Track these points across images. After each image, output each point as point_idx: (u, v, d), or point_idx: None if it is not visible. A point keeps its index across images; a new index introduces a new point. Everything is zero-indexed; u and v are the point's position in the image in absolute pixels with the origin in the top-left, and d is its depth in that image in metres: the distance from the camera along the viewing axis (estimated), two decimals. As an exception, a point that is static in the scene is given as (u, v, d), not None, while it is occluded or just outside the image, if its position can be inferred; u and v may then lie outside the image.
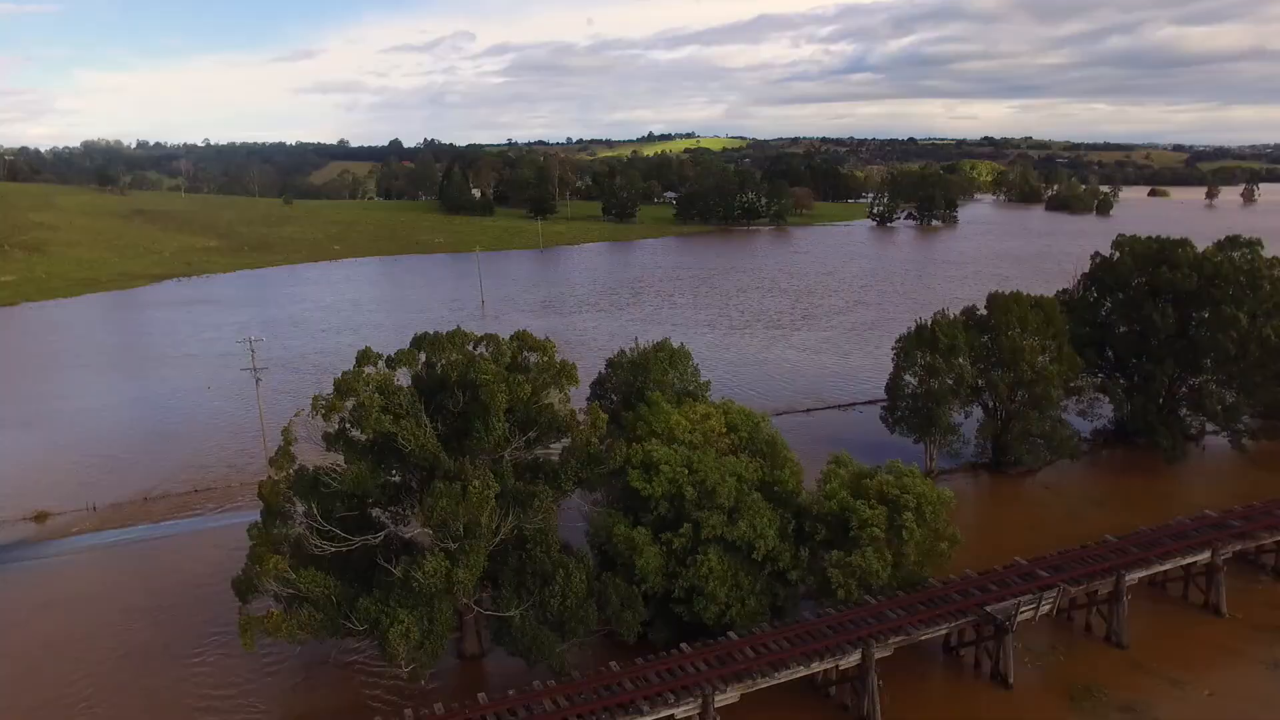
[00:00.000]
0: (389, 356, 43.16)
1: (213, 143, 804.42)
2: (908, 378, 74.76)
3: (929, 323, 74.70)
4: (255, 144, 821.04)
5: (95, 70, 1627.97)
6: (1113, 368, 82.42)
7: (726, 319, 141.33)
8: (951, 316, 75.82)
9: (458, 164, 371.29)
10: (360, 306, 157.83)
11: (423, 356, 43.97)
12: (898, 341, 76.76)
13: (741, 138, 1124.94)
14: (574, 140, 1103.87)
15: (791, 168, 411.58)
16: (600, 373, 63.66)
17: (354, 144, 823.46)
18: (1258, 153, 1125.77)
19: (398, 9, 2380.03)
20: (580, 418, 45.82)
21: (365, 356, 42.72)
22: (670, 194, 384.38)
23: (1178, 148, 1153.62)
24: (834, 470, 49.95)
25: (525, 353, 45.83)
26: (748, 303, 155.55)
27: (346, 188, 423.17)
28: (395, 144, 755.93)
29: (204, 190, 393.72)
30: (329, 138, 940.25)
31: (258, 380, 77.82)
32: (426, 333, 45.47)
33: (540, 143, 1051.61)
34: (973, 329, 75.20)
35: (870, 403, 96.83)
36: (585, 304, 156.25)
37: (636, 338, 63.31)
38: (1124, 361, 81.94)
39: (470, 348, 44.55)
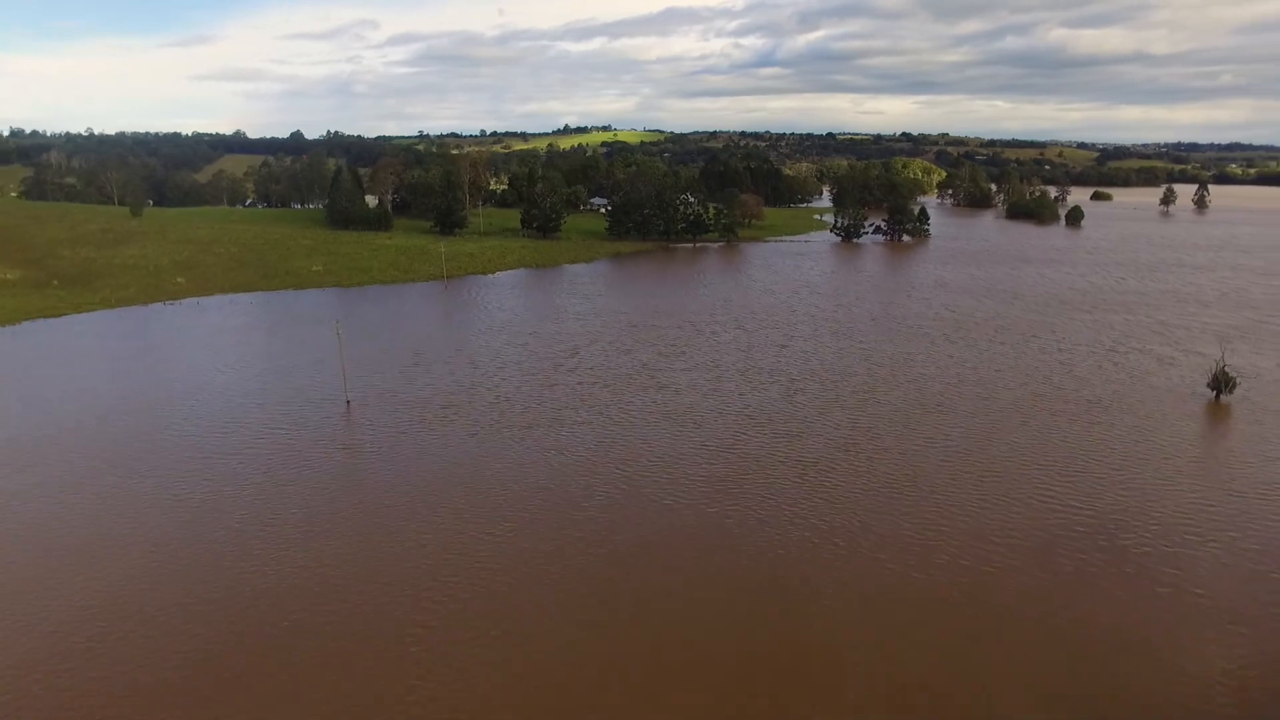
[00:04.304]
0: None
1: (97, 132, 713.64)
2: None
3: None
4: (146, 134, 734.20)
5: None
6: None
7: (742, 458, 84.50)
8: None
9: (349, 165, 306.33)
10: (152, 406, 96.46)
11: None
12: None
13: (659, 131, 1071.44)
14: (487, 133, 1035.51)
15: (730, 168, 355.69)
16: None
17: (253, 135, 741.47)
18: (1152, 151, 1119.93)
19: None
20: None
21: None
22: (598, 199, 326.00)
23: (1081, 145, 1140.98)
24: None
25: None
26: (755, 402, 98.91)
27: (224, 191, 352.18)
28: (296, 136, 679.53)
29: (53, 195, 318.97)
30: (231, 128, 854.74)
31: None
32: None
33: (452, 135, 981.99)
34: None
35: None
36: (506, 404, 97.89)
37: None
38: None
39: None
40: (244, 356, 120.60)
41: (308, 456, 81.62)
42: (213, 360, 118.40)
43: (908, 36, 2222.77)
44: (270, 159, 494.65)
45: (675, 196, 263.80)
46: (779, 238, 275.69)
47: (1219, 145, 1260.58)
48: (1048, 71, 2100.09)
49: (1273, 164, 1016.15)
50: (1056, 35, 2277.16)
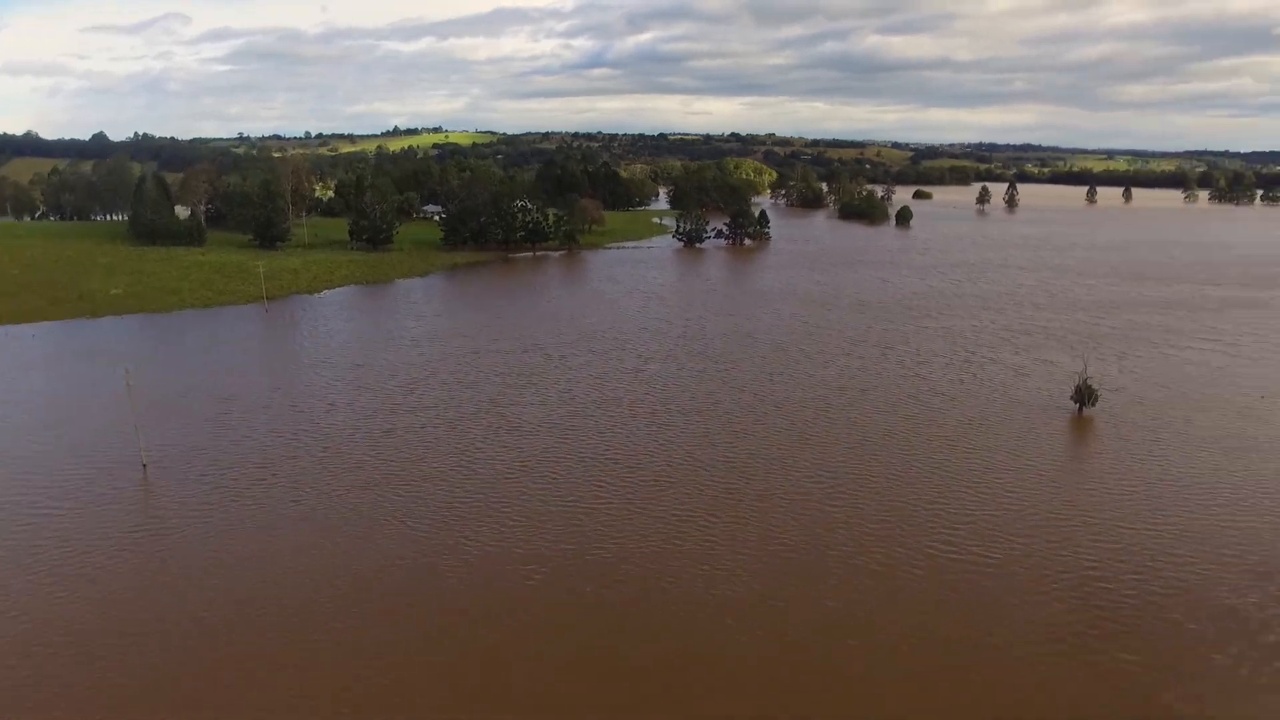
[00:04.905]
0: None
1: None
2: None
3: None
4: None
5: None
6: None
7: (611, 518, 74.45)
8: None
9: (158, 170, 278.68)
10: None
11: None
12: None
13: (492, 132, 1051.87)
14: (313, 135, 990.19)
15: (568, 172, 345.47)
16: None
17: (49, 136, 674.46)
18: (959, 151, 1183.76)
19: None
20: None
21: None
22: (431, 207, 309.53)
23: (896, 145, 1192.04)
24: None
25: None
26: (618, 443, 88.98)
27: (8, 200, 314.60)
28: (99, 137, 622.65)
29: None
30: (23, 128, 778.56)
31: None
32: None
33: (275, 137, 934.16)
34: None
35: None
36: (336, 458, 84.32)
37: None
38: None
39: None
40: (13, 408, 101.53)
41: (90, 545, 66.12)
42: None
43: (732, 40, 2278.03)
44: (61, 164, 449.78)
45: (512, 203, 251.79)
46: (621, 244, 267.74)
47: (1015, 146, 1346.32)
48: (864, 75, 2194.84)
49: (1060, 164, 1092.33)
50: (870, 42, 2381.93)
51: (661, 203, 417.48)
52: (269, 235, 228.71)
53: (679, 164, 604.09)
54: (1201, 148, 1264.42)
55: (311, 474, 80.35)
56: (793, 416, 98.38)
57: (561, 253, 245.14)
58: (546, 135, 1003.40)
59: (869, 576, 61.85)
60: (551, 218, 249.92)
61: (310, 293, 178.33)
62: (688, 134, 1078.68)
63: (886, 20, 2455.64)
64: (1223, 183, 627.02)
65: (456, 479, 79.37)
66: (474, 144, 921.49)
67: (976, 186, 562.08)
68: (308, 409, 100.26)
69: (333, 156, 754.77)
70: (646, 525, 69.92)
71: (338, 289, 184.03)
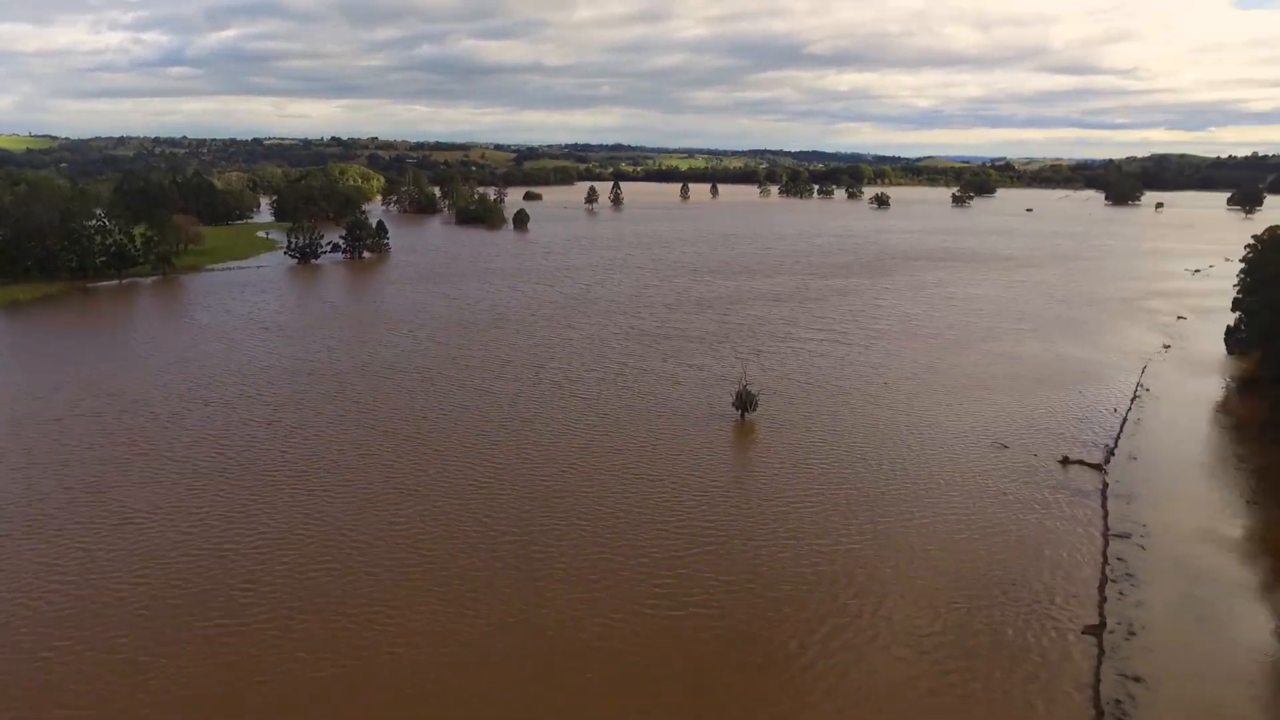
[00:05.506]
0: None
1: None
2: None
3: None
4: None
5: None
6: None
7: (264, 651, 59.27)
8: None
9: None
10: None
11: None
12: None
13: (51, 136, 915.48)
14: None
15: (153, 184, 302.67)
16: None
17: None
18: (559, 152, 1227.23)
19: None
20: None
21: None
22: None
23: (498, 147, 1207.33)
24: None
25: None
26: (261, 530, 72.68)
27: None
28: None
29: None
30: None
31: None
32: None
33: None
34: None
35: None
36: None
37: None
38: None
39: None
40: None
41: None
42: None
43: (325, 40, 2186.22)
44: None
45: (87, 222, 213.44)
46: (225, 264, 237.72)
47: (607, 146, 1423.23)
48: (461, 78, 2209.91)
49: (649, 162, 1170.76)
50: (466, 45, 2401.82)
51: (265, 215, 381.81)
52: None
53: (280, 171, 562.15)
54: (762, 147, 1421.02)
55: None
56: (458, 462, 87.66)
57: (155, 279, 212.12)
58: (121, 140, 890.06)
59: (592, 662, 53.51)
60: (139, 238, 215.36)
61: None
62: (285, 138, 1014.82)
63: (480, 25, 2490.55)
64: (785, 179, 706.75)
65: (46, 606, 59.58)
66: (28, 150, 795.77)
67: (581, 186, 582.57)
68: None
69: None
70: (309, 636, 56.23)
71: None
